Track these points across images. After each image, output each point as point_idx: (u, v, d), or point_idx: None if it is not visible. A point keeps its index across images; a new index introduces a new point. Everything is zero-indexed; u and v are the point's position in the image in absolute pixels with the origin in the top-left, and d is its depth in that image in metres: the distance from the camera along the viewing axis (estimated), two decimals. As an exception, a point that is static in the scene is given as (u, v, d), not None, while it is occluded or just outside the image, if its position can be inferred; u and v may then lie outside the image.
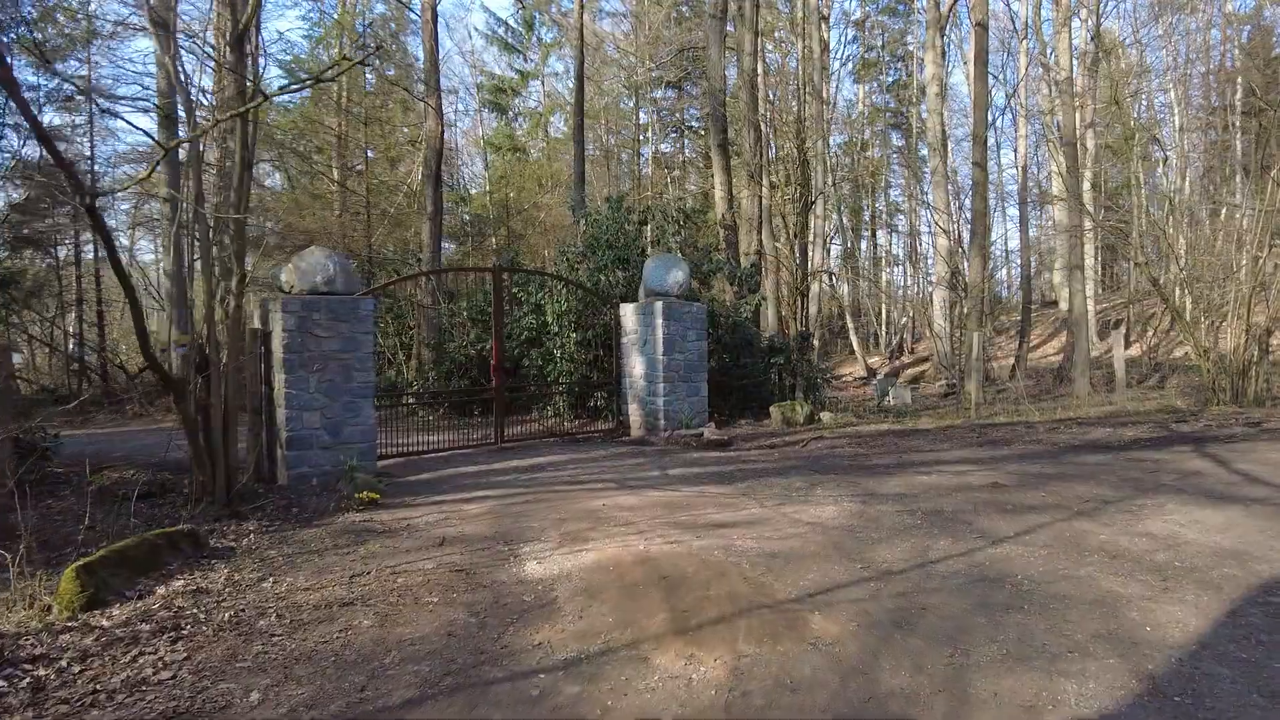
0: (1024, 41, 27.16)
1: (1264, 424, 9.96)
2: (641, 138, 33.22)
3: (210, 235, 6.38)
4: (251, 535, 5.76)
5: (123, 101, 20.34)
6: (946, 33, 26.81)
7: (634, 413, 11.59)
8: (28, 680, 3.04)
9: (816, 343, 24.45)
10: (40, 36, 19.08)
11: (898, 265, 40.81)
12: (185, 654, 3.30)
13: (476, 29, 51.22)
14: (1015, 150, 31.87)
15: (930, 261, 30.31)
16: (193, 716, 2.79)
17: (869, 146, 36.47)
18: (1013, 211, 43.29)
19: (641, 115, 32.96)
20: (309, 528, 5.96)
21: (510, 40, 33.34)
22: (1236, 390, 12.93)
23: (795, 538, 5.12)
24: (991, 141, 30.30)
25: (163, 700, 2.90)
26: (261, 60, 8.49)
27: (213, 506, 6.57)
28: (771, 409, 12.37)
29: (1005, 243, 39.53)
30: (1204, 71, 27.64)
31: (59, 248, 21.03)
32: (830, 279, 33.66)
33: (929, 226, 29.22)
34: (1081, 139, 22.51)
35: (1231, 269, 14.51)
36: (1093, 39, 23.50)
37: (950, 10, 25.79)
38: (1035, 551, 4.72)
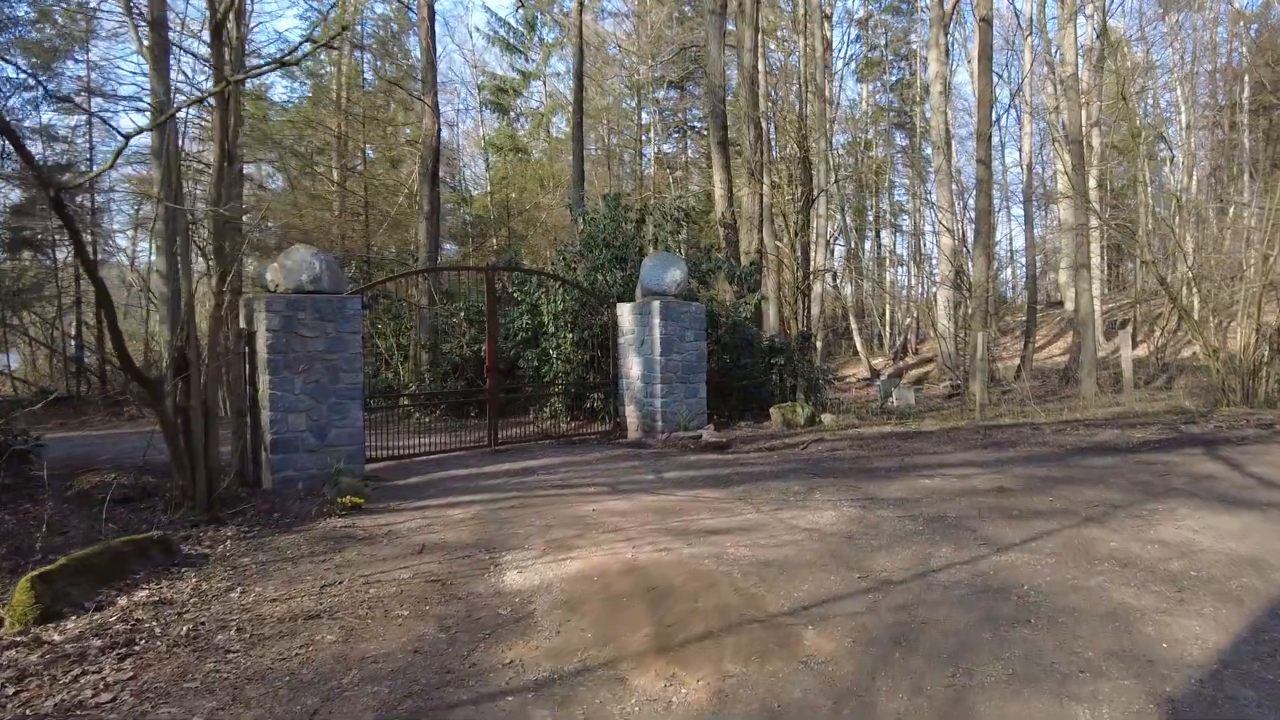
0: (1028, 38, 26.87)
1: (1276, 425, 9.68)
2: (644, 138, 33.03)
3: (190, 232, 6.18)
4: (228, 541, 5.55)
5: (122, 101, 20.25)
6: (950, 31, 26.52)
7: (631, 414, 11.37)
8: (-47, 704, 2.83)
9: (819, 344, 24.22)
10: (39, 36, 19.02)
11: (902, 265, 40.51)
12: (131, 673, 3.08)
13: (478, 29, 51.18)
14: (1020, 148, 31.60)
15: (934, 261, 29.98)
16: (130, 744, 2.58)
17: (873, 146, 36.21)
18: (1018, 211, 42.74)
19: (644, 115, 32.77)
20: (288, 534, 5.76)
21: (512, 40, 33.16)
22: (1247, 391, 12.64)
23: (791, 545, 4.89)
24: (996, 140, 29.97)
25: (99, 726, 2.69)
26: (255, 59, 8.34)
27: (193, 511, 6.38)
28: (772, 410, 12.14)
29: (1010, 242, 39.20)
30: (1211, 69, 27.30)
31: (57, 249, 20.91)
32: (834, 279, 33.38)
33: (933, 226, 28.94)
34: (1087, 137, 22.23)
35: (1240, 267, 14.24)
36: (1098, 35, 23.25)
37: (954, 7, 25.52)
38: (1042, 560, 4.48)
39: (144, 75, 19.86)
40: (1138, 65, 26.34)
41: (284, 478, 7.50)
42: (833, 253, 33.32)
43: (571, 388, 12.38)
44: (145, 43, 7.93)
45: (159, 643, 3.44)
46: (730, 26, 21.88)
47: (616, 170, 33.95)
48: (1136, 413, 11.89)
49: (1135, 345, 20.48)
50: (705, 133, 29.17)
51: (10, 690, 2.93)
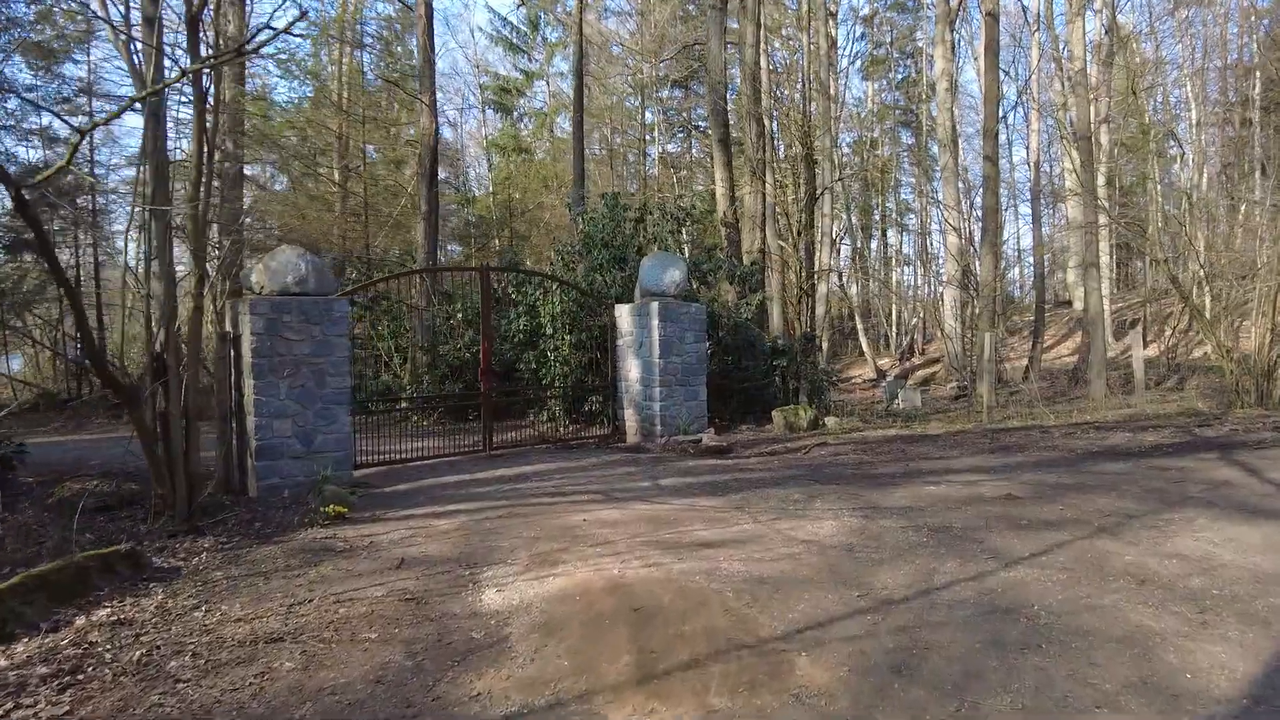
0: (1036, 34, 26.49)
1: (1295, 428, 9.39)
2: (648, 138, 32.78)
3: (169, 232, 5.98)
4: (204, 554, 5.35)
5: (122, 102, 20.13)
6: (956, 27, 26.16)
7: (630, 418, 11.13)
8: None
9: (825, 344, 23.93)
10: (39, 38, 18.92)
11: (908, 265, 40.16)
12: (69, 707, 2.87)
13: (480, 28, 50.97)
14: (1027, 146, 31.15)
15: (941, 260, 29.63)
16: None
17: (878, 144, 35.87)
18: (1025, 209, 42.45)
19: (648, 115, 32.55)
20: (267, 545, 5.55)
21: (515, 40, 32.98)
22: (1261, 392, 12.30)
23: (788, 559, 4.65)
24: (1003, 138, 29.67)
25: (29, 766, 2.48)
26: (249, 57, 8.13)
27: (172, 521, 6.17)
28: (774, 414, 11.88)
29: (1018, 241, 38.68)
30: (1221, 65, 26.88)
31: (59, 252, 20.80)
32: (840, 279, 33.03)
33: (939, 225, 28.57)
34: (1095, 134, 21.85)
35: (1253, 265, 13.89)
36: (1107, 31, 22.90)
37: (960, 3, 25.20)
38: (1053, 576, 4.23)
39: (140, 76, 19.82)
40: (1147, 61, 25.96)
41: (269, 485, 7.29)
42: (838, 252, 33.01)
43: (570, 390, 12.15)
44: (123, 38, 7.77)
45: (107, 670, 3.22)
46: (733, 24, 21.64)
47: (620, 170, 33.74)
48: (1148, 415, 11.58)
49: (1145, 345, 20.13)
50: (708, 132, 28.96)
51: (-67, 727, 2.72)
